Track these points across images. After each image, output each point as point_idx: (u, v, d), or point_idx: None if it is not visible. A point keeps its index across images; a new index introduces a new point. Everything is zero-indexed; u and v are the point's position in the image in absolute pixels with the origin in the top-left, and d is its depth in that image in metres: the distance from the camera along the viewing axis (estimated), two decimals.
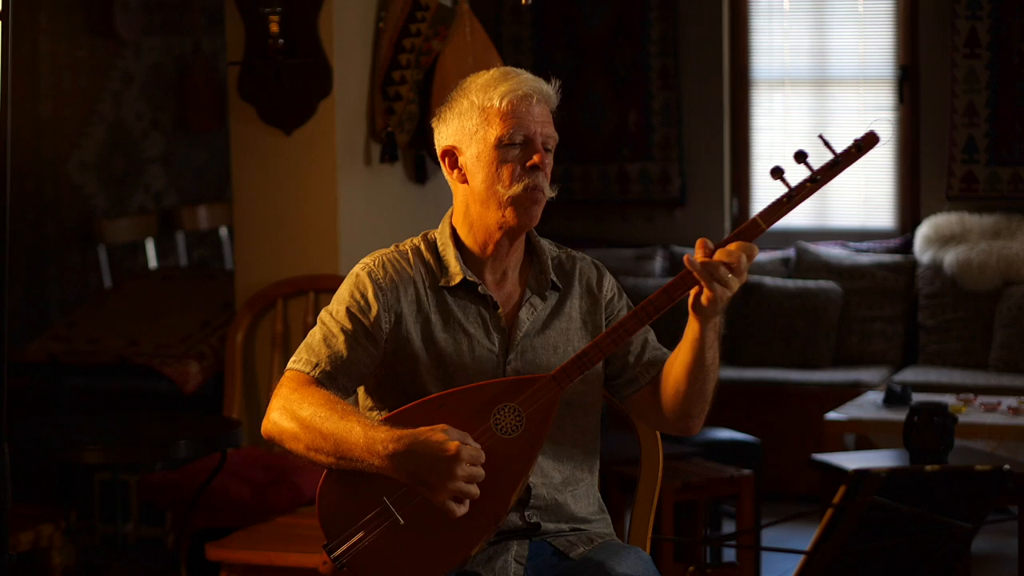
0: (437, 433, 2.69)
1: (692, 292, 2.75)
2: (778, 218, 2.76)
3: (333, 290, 5.30)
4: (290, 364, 2.90)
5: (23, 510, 4.56)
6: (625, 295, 3.07)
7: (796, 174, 2.75)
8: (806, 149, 2.74)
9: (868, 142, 2.74)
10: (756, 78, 7.67)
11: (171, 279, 6.59)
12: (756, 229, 2.74)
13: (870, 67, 7.49)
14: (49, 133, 7.29)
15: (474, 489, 2.69)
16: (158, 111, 7.87)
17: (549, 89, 2.92)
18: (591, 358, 2.81)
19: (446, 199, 5.80)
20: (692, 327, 2.80)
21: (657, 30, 7.67)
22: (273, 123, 5.22)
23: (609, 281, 3.05)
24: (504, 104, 2.87)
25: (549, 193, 2.90)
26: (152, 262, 7.49)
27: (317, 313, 5.14)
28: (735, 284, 2.72)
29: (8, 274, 2.72)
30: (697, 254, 2.71)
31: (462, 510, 2.69)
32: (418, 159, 5.47)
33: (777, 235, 7.55)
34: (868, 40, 7.49)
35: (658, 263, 7.49)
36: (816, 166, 2.75)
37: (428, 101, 5.32)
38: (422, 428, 2.71)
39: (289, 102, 5.18)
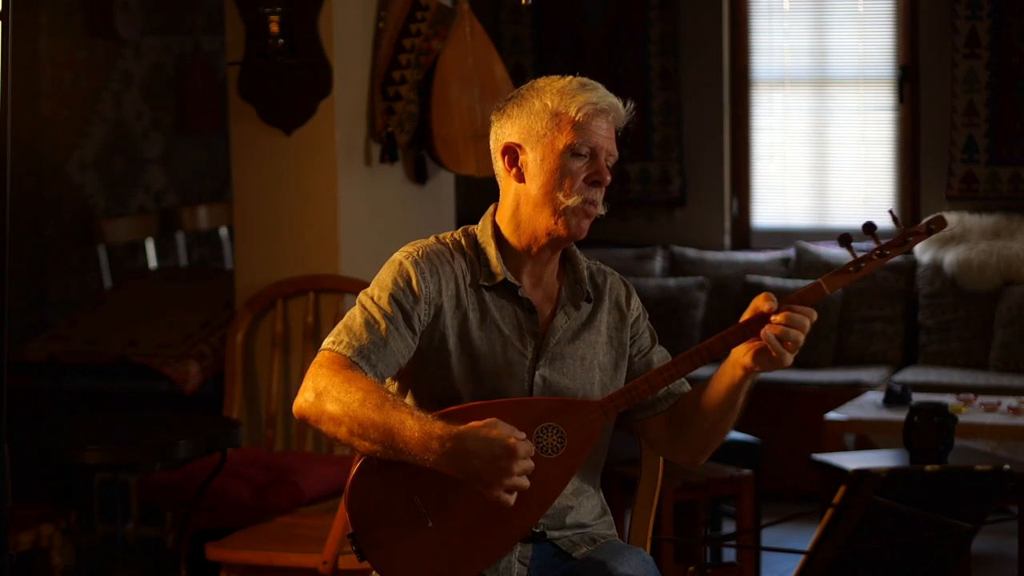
0: (492, 429, 2.67)
1: (750, 348, 2.79)
2: (842, 285, 2.82)
3: (333, 290, 5.33)
4: (328, 344, 2.84)
5: (23, 510, 4.56)
6: (648, 316, 3.07)
7: (863, 243, 2.80)
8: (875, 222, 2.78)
9: (937, 225, 2.81)
10: (756, 78, 7.67)
11: (171, 279, 6.58)
12: (819, 292, 2.80)
13: (870, 67, 7.49)
14: (49, 133, 7.29)
15: (526, 482, 2.67)
16: (158, 111, 7.87)
17: (623, 110, 2.92)
18: (640, 392, 2.83)
19: (446, 199, 5.83)
20: (734, 374, 2.83)
21: (657, 30, 7.67)
22: (273, 123, 5.22)
23: (636, 300, 3.05)
24: (580, 115, 2.86)
25: (601, 209, 2.91)
26: (152, 262, 7.48)
27: (317, 313, 5.18)
28: (799, 345, 2.79)
29: (8, 274, 2.72)
30: (763, 306, 2.78)
31: (512, 500, 2.68)
32: (418, 159, 5.47)
33: (777, 235, 7.55)
34: (868, 40, 7.49)
35: (658, 263, 7.49)
36: (883, 239, 2.79)
37: (428, 101, 5.32)
38: (474, 424, 2.68)
39: (289, 102, 5.18)
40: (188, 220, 7.74)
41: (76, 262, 7.36)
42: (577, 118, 2.86)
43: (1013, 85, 7.09)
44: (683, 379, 3.00)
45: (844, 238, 2.78)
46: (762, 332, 2.76)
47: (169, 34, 7.90)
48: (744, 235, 7.69)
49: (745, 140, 7.69)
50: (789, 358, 2.77)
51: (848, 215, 7.56)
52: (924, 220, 2.83)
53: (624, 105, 2.93)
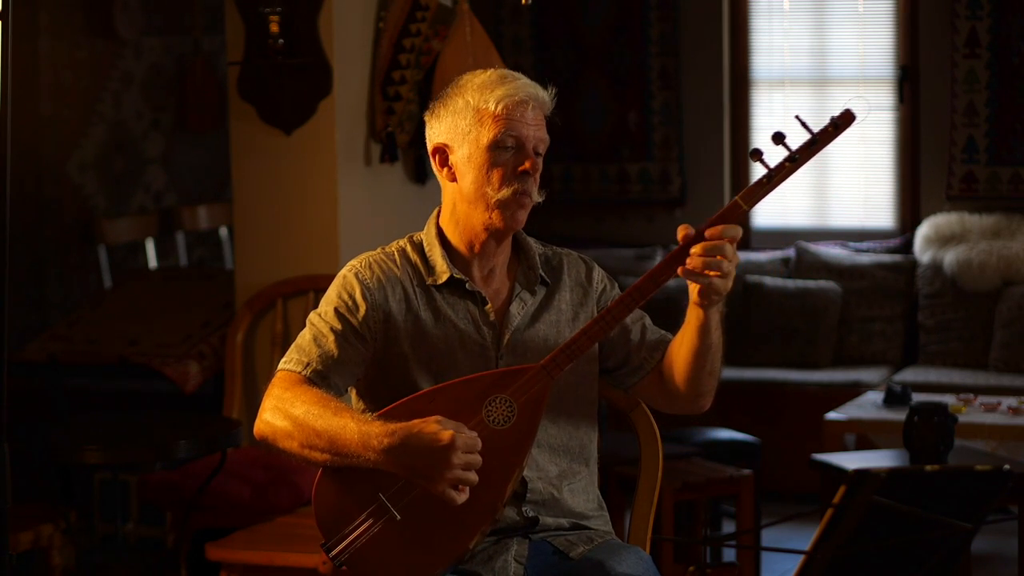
0: (430, 424, 2.70)
1: (695, 287, 2.75)
2: (759, 199, 2.79)
3: None
4: (281, 365, 2.91)
5: (23, 510, 4.56)
6: (616, 285, 3.08)
7: (776, 156, 2.77)
8: (784, 131, 2.76)
9: (844, 120, 2.79)
10: (756, 78, 7.67)
11: (171, 279, 6.58)
12: (737, 210, 2.77)
13: (870, 67, 7.49)
14: (49, 133, 7.29)
15: (472, 476, 2.69)
16: (158, 111, 7.87)
17: (545, 95, 2.93)
18: (580, 346, 2.82)
19: None
20: (696, 314, 2.82)
21: (657, 30, 7.67)
22: (273, 123, 5.22)
23: (598, 272, 3.07)
24: (499, 108, 2.87)
25: (536, 198, 2.91)
26: (152, 262, 7.49)
27: None
28: (731, 270, 2.75)
29: (8, 274, 2.72)
30: (679, 236, 2.75)
31: (462, 498, 2.69)
32: (418, 159, 5.47)
33: (777, 235, 7.55)
34: (868, 40, 7.49)
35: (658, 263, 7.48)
36: (794, 146, 2.77)
37: (428, 101, 5.32)
38: (415, 421, 2.71)
39: (289, 102, 5.18)
40: (188, 220, 7.74)
41: (76, 262, 7.37)
42: (497, 112, 2.87)
43: (1013, 85, 7.09)
44: (665, 331, 3.01)
45: (755, 153, 2.74)
46: (680, 271, 2.73)
47: (169, 34, 7.91)
48: (744, 235, 7.67)
49: (745, 140, 7.69)
50: (720, 283, 2.74)
51: (848, 215, 7.56)
52: (831, 117, 2.77)
53: (546, 89, 2.93)
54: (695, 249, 2.73)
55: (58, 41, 7.29)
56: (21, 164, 6.98)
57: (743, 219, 2.79)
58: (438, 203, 5.86)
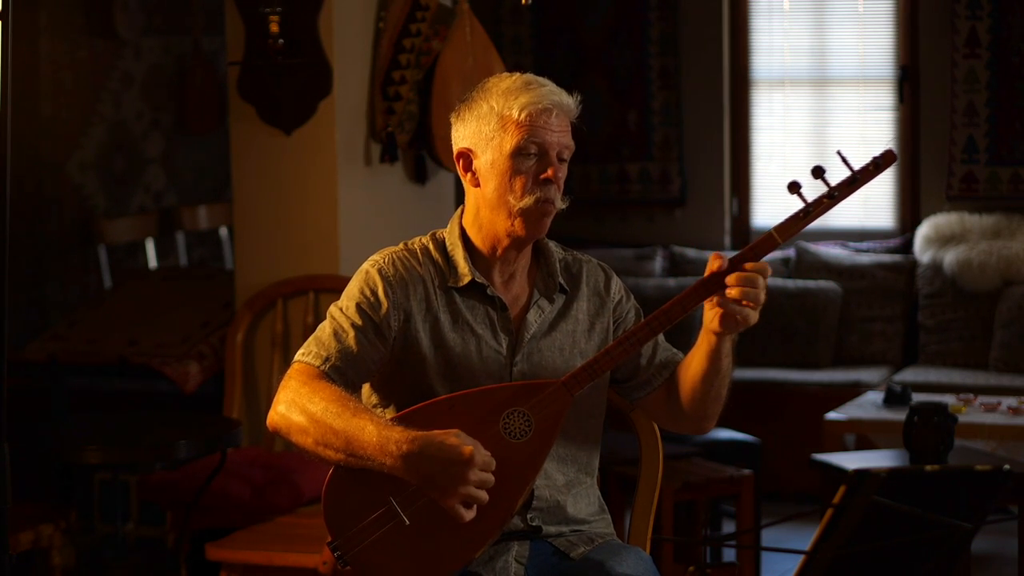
0: (451, 437, 2.69)
1: (716, 314, 2.76)
2: (794, 233, 2.79)
3: (333, 290, 5.33)
4: (298, 357, 2.89)
5: (23, 510, 4.56)
6: (632, 296, 3.08)
7: (813, 189, 2.76)
8: (823, 164, 2.76)
9: (886, 160, 2.79)
10: (756, 78, 7.67)
11: (171, 279, 6.58)
12: (771, 243, 2.77)
13: (870, 67, 7.49)
14: (49, 133, 7.29)
15: (483, 495, 2.69)
16: (158, 111, 7.87)
17: (570, 102, 2.92)
18: (602, 366, 2.82)
19: (446, 199, 5.83)
20: (709, 340, 2.84)
21: (657, 30, 7.67)
22: (273, 123, 5.22)
23: (617, 283, 3.06)
24: (523, 116, 2.87)
25: (560, 205, 2.91)
26: (152, 262, 7.49)
27: (317, 313, 5.18)
28: (760, 302, 2.76)
29: (8, 274, 2.72)
30: (714, 264, 2.75)
31: (470, 515, 2.69)
32: (418, 159, 5.47)
33: None
34: (868, 40, 7.49)
35: (658, 263, 7.49)
36: (833, 182, 2.76)
37: (428, 101, 5.32)
38: (436, 431, 2.71)
39: (289, 102, 5.18)
40: (188, 220, 7.74)
41: (76, 262, 7.36)
42: (520, 119, 2.87)
43: (1013, 85, 7.09)
44: (676, 350, 3.01)
45: (793, 186, 2.74)
46: (718, 301, 2.74)
47: (169, 34, 7.90)
48: (744, 235, 7.69)
49: (745, 140, 7.69)
50: (754, 316, 2.76)
51: (848, 215, 7.56)
52: (872, 156, 2.78)
53: (572, 95, 2.93)
54: (732, 279, 2.74)
55: (58, 41, 7.29)
56: (21, 164, 6.98)
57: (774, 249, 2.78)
58: (438, 203, 5.88)
